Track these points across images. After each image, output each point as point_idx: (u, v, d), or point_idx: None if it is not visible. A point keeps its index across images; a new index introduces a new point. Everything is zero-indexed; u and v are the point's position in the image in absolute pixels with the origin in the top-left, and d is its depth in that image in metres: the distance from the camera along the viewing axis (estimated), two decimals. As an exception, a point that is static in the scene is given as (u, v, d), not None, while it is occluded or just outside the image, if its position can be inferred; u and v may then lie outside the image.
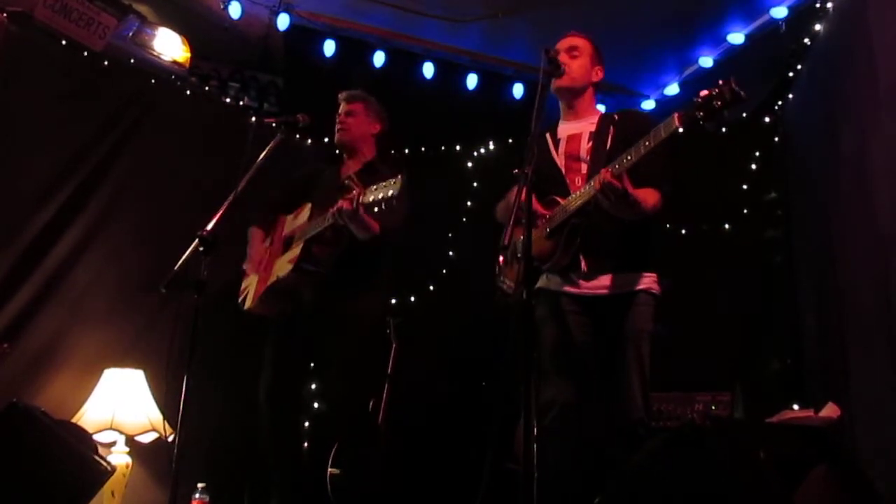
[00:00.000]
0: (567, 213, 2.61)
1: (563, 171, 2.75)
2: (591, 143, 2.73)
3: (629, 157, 2.40)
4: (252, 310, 3.23)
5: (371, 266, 3.21)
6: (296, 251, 3.08)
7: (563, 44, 2.82)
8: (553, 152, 2.80)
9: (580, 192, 2.59)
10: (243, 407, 3.68)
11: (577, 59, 2.79)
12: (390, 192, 2.60)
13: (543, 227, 2.67)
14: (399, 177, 2.61)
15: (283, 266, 3.11)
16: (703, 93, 2.23)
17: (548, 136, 2.84)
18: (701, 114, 2.22)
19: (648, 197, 2.57)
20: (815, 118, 3.54)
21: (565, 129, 2.85)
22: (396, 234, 3.14)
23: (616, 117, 2.77)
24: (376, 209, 2.65)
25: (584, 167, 2.71)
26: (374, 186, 2.68)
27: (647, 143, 2.35)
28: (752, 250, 3.93)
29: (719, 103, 2.19)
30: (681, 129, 2.27)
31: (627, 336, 2.63)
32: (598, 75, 2.85)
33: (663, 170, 2.62)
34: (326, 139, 3.42)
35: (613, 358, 2.64)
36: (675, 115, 2.28)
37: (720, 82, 2.21)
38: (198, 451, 3.22)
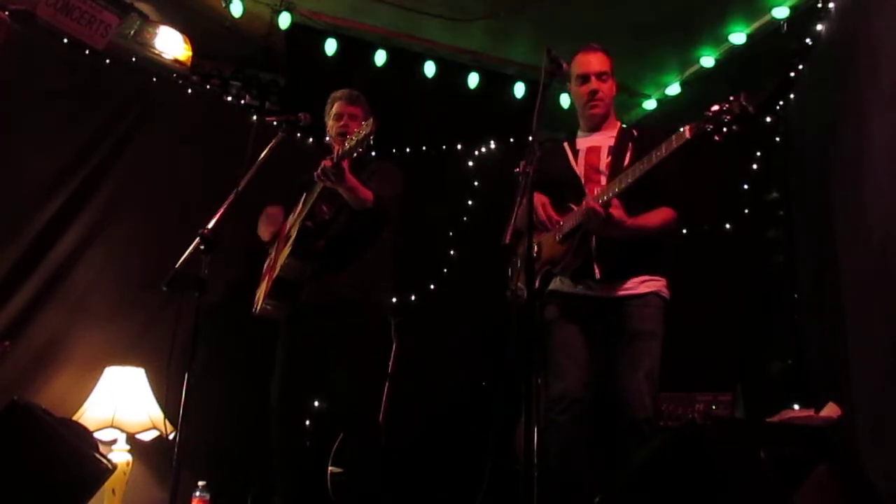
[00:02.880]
0: (579, 220, 2.65)
1: (583, 180, 2.79)
2: (609, 158, 2.78)
3: (620, 183, 2.51)
4: (261, 312, 3.24)
5: (375, 262, 3.23)
6: (293, 236, 3.10)
7: (591, 66, 2.85)
8: (573, 162, 2.84)
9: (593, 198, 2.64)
10: (244, 405, 3.69)
11: (607, 82, 2.87)
12: (363, 134, 2.72)
13: (556, 233, 2.71)
14: (371, 119, 2.74)
15: (283, 255, 3.13)
16: (714, 107, 2.32)
17: (566, 145, 2.89)
18: (710, 127, 2.31)
19: (653, 218, 2.65)
20: (816, 118, 3.54)
21: (585, 141, 2.90)
22: (392, 203, 3.17)
23: (635, 133, 2.82)
24: (356, 154, 2.79)
25: (603, 179, 2.76)
26: (349, 137, 2.82)
27: (658, 153, 2.44)
28: (753, 250, 3.93)
29: (728, 118, 2.28)
30: (691, 140, 2.36)
31: (638, 336, 2.66)
32: (616, 89, 2.94)
33: (677, 186, 2.67)
34: (327, 138, 3.42)
35: (623, 357, 2.66)
36: (687, 127, 2.38)
37: (731, 98, 2.30)
38: (198, 450, 3.22)
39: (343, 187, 2.98)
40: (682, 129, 2.38)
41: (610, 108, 2.91)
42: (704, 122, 2.32)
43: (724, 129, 2.29)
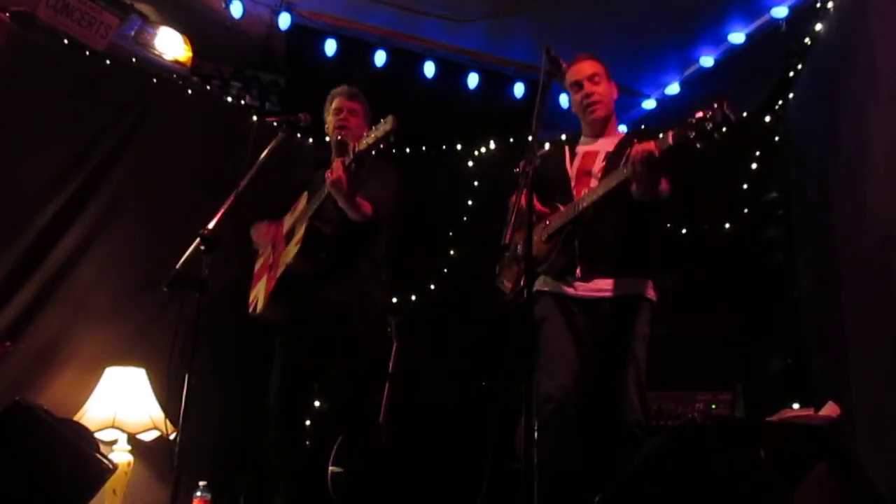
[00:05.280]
0: (565, 220, 2.64)
1: (573, 182, 2.79)
2: (604, 163, 2.77)
3: (668, 141, 2.43)
4: (262, 313, 3.24)
5: (370, 263, 3.23)
6: (300, 234, 3.09)
7: (582, 72, 2.86)
8: (567, 163, 2.85)
9: (580, 199, 2.65)
10: (245, 405, 3.70)
11: (600, 84, 2.86)
12: (382, 131, 2.69)
13: (542, 231, 2.70)
14: (391, 117, 2.69)
15: (289, 253, 3.12)
16: (699, 114, 2.31)
17: (566, 147, 2.89)
18: (693, 134, 2.31)
19: (664, 184, 2.64)
20: (815, 118, 3.54)
21: (584, 146, 2.91)
22: (387, 213, 3.17)
23: (635, 140, 2.80)
24: (374, 151, 2.76)
25: (593, 182, 2.75)
26: (366, 133, 2.79)
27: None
28: (752, 250, 3.93)
29: (710, 125, 2.28)
30: (674, 147, 2.36)
31: (623, 338, 2.66)
32: (615, 93, 2.92)
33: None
34: (328, 138, 3.42)
35: (609, 359, 2.66)
36: (670, 132, 2.37)
37: (714, 104, 2.29)
38: (199, 450, 3.22)
39: (343, 196, 2.95)
40: (663, 136, 2.37)
41: (611, 110, 2.89)
42: (688, 129, 2.31)
43: (707, 138, 2.28)
